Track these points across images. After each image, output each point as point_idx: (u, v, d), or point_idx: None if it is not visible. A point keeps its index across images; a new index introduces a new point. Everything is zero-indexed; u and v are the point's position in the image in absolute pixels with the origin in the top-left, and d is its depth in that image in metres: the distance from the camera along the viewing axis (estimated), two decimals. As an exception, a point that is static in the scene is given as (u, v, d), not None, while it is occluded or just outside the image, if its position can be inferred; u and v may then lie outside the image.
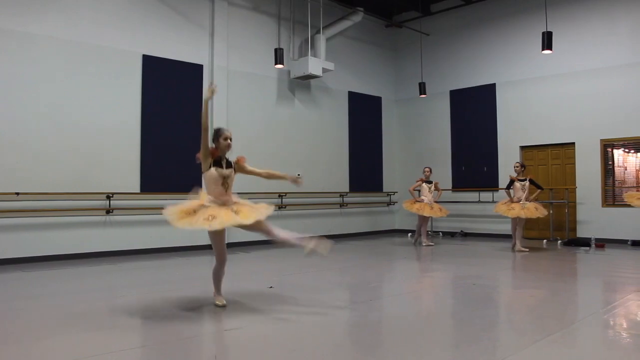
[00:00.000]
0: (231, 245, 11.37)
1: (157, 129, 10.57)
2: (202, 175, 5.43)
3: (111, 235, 9.93)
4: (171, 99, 10.83)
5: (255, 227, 5.40)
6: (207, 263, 9.48)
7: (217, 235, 5.41)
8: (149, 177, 10.40)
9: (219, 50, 11.55)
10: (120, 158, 10.12)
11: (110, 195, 9.85)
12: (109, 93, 10.03)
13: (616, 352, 4.11)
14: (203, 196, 5.39)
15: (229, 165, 5.49)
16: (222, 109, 11.45)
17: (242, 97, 12.00)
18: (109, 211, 9.86)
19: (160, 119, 10.62)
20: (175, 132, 10.77)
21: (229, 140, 5.45)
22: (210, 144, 5.42)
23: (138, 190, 10.27)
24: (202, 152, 5.31)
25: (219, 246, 5.53)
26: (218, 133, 5.47)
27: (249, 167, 5.74)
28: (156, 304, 5.84)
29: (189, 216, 5.09)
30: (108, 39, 10.05)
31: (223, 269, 5.61)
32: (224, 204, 5.26)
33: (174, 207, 5.18)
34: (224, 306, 5.49)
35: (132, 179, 10.24)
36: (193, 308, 5.74)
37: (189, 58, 11.17)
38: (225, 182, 5.36)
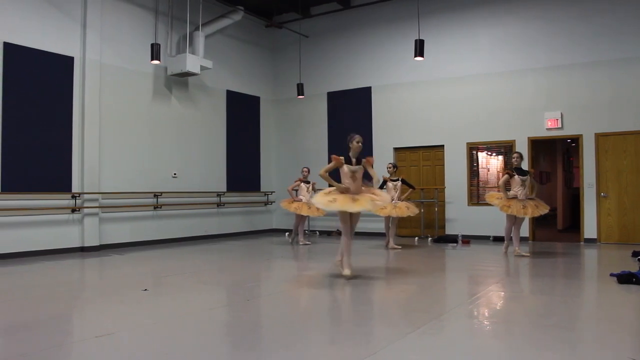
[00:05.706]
0: (105, 248, 10.87)
1: (20, 124, 9.78)
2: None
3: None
4: (37, 92, 10.04)
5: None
6: (76, 266, 8.98)
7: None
8: (11, 177, 9.59)
9: (91, 43, 10.87)
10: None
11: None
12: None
13: (478, 339, 4.39)
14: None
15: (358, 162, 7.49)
16: (94, 103, 10.84)
17: (116, 92, 11.42)
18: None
19: (23, 113, 9.84)
20: (41, 128, 10.04)
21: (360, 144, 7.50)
22: None
23: (-2, 190, 9.47)
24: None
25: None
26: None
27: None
28: (19, 312, 5.44)
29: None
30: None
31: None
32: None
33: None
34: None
35: (-10, 178, 9.41)
36: (61, 314, 5.41)
37: (58, 49, 10.41)
38: (353, 175, 7.51)
